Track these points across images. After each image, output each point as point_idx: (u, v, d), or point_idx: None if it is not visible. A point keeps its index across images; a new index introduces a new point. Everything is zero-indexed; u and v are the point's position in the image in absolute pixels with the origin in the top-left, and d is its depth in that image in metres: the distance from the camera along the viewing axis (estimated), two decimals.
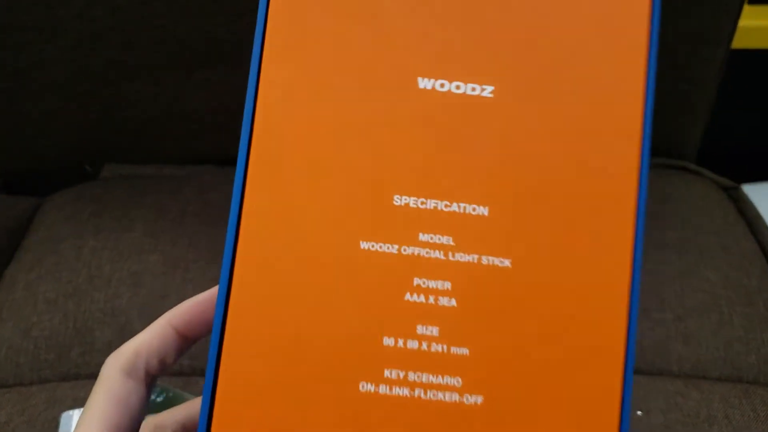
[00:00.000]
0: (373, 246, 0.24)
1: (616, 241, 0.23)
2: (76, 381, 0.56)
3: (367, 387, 0.23)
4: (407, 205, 0.24)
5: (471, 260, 0.24)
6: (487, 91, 0.24)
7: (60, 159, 0.72)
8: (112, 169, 0.72)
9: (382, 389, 0.23)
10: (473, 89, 0.24)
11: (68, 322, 0.57)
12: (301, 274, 0.23)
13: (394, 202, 0.24)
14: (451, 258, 0.24)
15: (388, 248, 0.24)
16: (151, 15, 0.59)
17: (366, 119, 0.24)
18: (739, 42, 0.64)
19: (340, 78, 0.24)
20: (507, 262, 0.23)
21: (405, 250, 0.24)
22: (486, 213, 0.24)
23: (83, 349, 0.57)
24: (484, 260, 0.23)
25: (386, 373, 0.23)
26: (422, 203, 0.24)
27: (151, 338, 0.25)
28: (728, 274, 0.60)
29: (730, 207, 0.68)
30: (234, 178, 0.23)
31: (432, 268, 0.24)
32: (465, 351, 0.23)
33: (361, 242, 0.24)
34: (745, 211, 0.68)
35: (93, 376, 0.27)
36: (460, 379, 0.23)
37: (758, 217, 0.64)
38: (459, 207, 0.24)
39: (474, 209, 0.24)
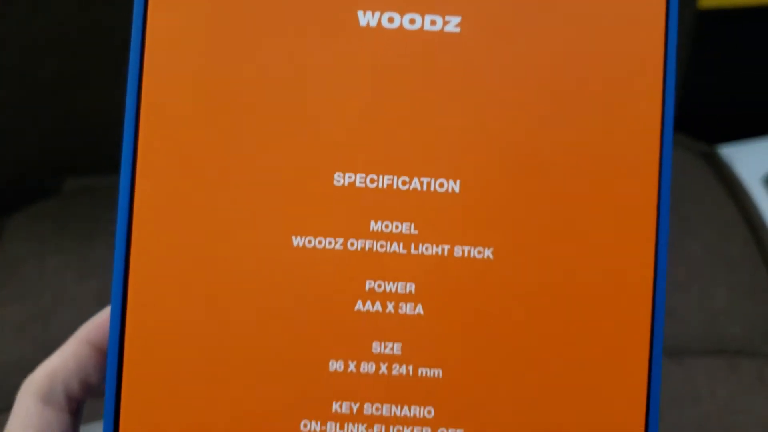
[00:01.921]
0: (309, 242, 0.18)
1: (633, 222, 0.18)
2: None
3: (311, 426, 0.17)
4: (352, 184, 0.18)
5: (440, 252, 0.18)
6: (452, 24, 0.18)
7: (18, 175, 0.70)
8: (75, 182, 0.69)
9: (331, 428, 0.17)
10: (433, 23, 0.18)
11: (36, 344, 0.55)
12: (212, 287, 0.18)
13: (335, 182, 0.18)
14: (413, 251, 0.18)
15: (329, 243, 0.18)
16: (96, 22, 0.58)
17: (291, 72, 0.18)
18: (707, 0, 0.60)
19: (253, 20, 0.18)
20: (488, 253, 0.18)
21: (352, 244, 0.18)
22: (457, 189, 0.18)
23: None
24: (458, 251, 0.18)
25: (335, 407, 0.17)
26: (372, 181, 0.18)
27: (65, 359, 0.21)
28: (710, 243, 0.58)
29: (709, 173, 0.65)
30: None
31: (389, 267, 0.18)
32: (437, 373, 0.18)
33: (293, 238, 0.18)
34: (724, 176, 0.65)
35: None
36: (432, 409, 0.17)
37: (737, 182, 0.61)
38: (421, 183, 0.18)
39: (441, 185, 0.18)
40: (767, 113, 0.65)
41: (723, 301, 0.54)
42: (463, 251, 0.18)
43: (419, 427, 0.18)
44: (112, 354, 0.18)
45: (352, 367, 0.18)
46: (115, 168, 0.18)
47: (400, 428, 0.18)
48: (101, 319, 0.22)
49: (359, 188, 0.18)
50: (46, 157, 0.70)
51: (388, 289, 0.18)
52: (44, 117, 0.65)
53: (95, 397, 0.22)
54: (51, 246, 0.64)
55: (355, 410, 0.18)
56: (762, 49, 0.63)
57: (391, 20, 0.18)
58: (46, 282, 0.60)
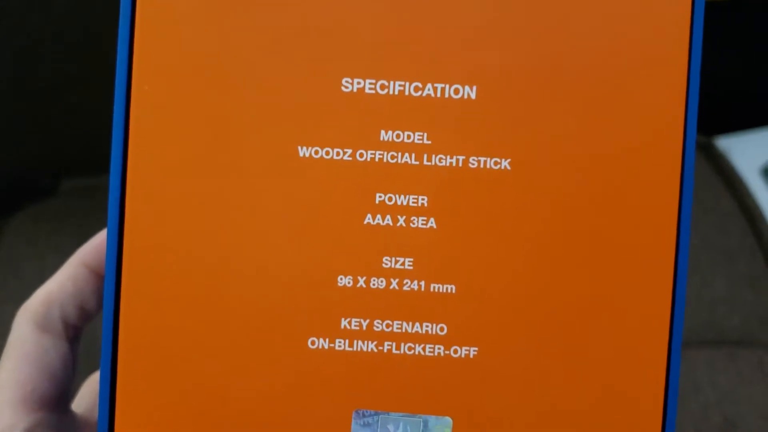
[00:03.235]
0: (316, 152, 0.17)
1: (661, 137, 0.17)
2: None
3: (319, 343, 0.17)
4: (361, 91, 0.17)
5: (454, 164, 0.17)
6: None
7: (17, 176, 0.70)
8: (72, 183, 0.69)
9: (339, 345, 0.16)
10: None
11: None
12: (216, 198, 0.17)
13: (343, 89, 0.17)
14: (426, 162, 0.17)
15: (337, 154, 0.17)
16: (91, 23, 0.57)
17: None
18: None
19: None
20: (505, 164, 0.17)
21: (361, 155, 0.17)
22: (473, 96, 0.17)
23: None
24: (473, 163, 0.17)
25: (343, 323, 0.17)
26: (383, 87, 0.17)
27: (62, 282, 0.21)
28: (708, 234, 0.58)
29: (707, 166, 0.65)
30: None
31: (400, 179, 0.17)
32: (450, 289, 0.17)
33: (299, 148, 0.17)
34: (721, 168, 0.65)
35: None
36: (444, 327, 0.17)
37: (735, 173, 0.61)
38: (435, 90, 0.17)
39: (456, 92, 0.17)
40: (764, 104, 0.65)
41: (722, 291, 0.54)
42: (478, 162, 0.17)
43: (431, 345, 0.17)
44: (109, 284, 0.17)
45: (361, 282, 0.17)
46: None
47: (412, 345, 0.17)
48: (97, 241, 0.21)
49: (369, 95, 0.17)
50: (44, 158, 0.70)
51: (399, 203, 0.17)
52: (42, 118, 0.65)
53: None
54: (50, 246, 0.64)
55: (364, 327, 0.17)
56: (759, 40, 0.63)
57: None
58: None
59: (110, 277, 0.17)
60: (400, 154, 0.17)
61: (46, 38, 0.58)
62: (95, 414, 0.22)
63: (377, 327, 0.17)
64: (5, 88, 0.61)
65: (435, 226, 0.17)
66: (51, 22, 0.56)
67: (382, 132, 0.17)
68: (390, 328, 0.17)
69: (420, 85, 0.17)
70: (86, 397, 0.23)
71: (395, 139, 0.17)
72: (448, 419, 0.17)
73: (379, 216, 0.17)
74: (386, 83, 0.17)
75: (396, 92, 0.17)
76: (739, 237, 0.58)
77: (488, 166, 0.17)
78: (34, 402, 0.19)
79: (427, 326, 0.17)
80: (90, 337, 0.24)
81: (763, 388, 0.47)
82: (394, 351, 0.17)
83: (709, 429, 0.47)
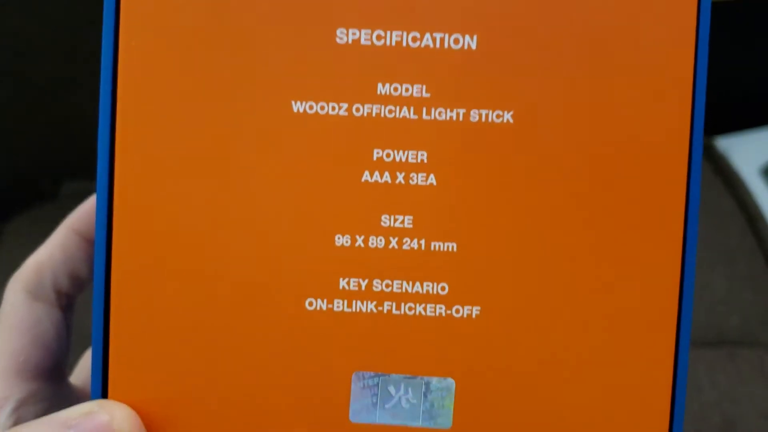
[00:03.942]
0: (310, 107, 0.16)
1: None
2: None
3: (317, 304, 0.16)
4: (357, 42, 0.16)
5: (454, 117, 0.16)
6: None
7: (16, 180, 0.69)
8: (72, 186, 0.67)
9: (338, 306, 0.16)
10: None
11: None
12: (209, 158, 0.16)
13: (337, 40, 0.16)
14: (425, 116, 0.16)
15: (333, 109, 0.16)
16: (89, 25, 0.53)
17: None
18: None
19: None
20: (507, 117, 0.16)
21: (358, 109, 0.16)
22: (474, 46, 0.16)
23: None
24: (474, 116, 0.16)
25: (342, 284, 0.16)
26: (379, 38, 0.16)
27: (52, 250, 0.20)
28: (707, 234, 0.57)
29: (706, 166, 0.65)
30: None
31: (398, 134, 0.16)
32: (451, 247, 0.16)
33: (292, 103, 0.16)
34: (721, 168, 0.65)
35: None
36: (446, 286, 0.16)
37: (734, 173, 0.61)
38: (434, 40, 0.17)
39: (456, 41, 0.16)
40: (764, 104, 0.65)
41: (722, 291, 0.53)
42: (480, 115, 0.16)
43: (432, 305, 0.16)
44: (99, 248, 0.16)
45: (359, 241, 0.16)
46: None
47: (412, 305, 0.16)
48: (86, 207, 0.20)
49: (364, 46, 0.16)
50: (45, 161, 0.69)
51: (397, 159, 0.16)
52: (41, 121, 0.64)
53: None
54: None
55: (363, 287, 0.16)
56: (758, 40, 0.63)
57: None
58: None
59: (100, 241, 0.16)
60: (398, 108, 0.16)
61: (46, 41, 0.57)
62: None
63: (376, 287, 0.16)
64: (5, 91, 0.61)
65: (435, 183, 0.16)
66: (52, 24, 0.56)
67: (379, 85, 0.16)
68: (390, 288, 0.16)
69: (418, 35, 0.16)
70: (85, 371, 0.22)
71: (393, 92, 0.16)
72: (451, 381, 0.16)
73: (377, 173, 0.16)
74: (383, 34, 0.16)
75: (393, 43, 0.16)
76: (739, 237, 0.57)
77: (490, 120, 0.16)
78: (27, 372, 0.19)
79: (427, 286, 0.16)
80: (87, 310, 0.24)
81: (763, 388, 0.47)
82: (394, 311, 0.16)
83: (709, 429, 0.47)
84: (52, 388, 0.19)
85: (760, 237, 0.58)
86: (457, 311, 0.16)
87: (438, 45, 0.16)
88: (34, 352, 0.19)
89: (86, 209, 0.20)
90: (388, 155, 0.16)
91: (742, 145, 0.63)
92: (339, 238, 0.16)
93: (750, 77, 0.65)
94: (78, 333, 0.21)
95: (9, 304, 0.20)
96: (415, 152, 0.16)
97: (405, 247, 0.16)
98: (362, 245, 0.16)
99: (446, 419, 0.16)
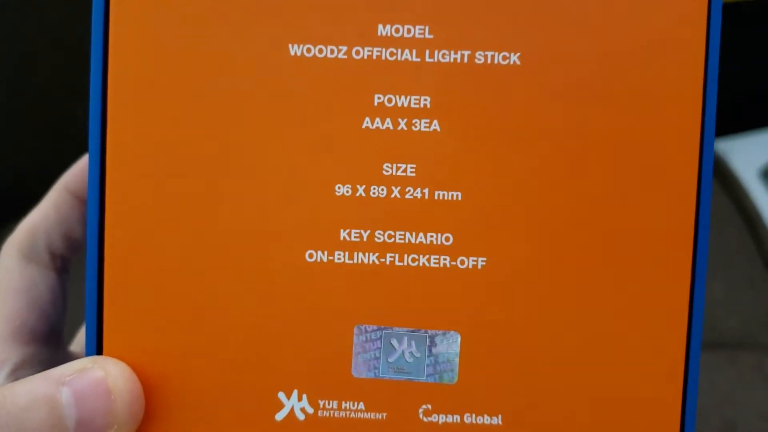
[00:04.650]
0: (308, 50, 0.16)
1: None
2: None
3: (317, 256, 0.15)
4: None
5: (458, 60, 0.16)
6: None
7: (14, 184, 0.67)
8: None
9: (339, 257, 0.15)
10: None
11: None
12: (203, 106, 0.16)
13: None
14: (428, 59, 0.16)
15: (331, 52, 0.16)
16: (87, 30, 0.56)
17: None
18: None
19: None
20: (514, 58, 0.16)
21: (358, 52, 0.16)
22: None
23: None
24: (479, 58, 0.16)
25: (342, 235, 0.15)
26: None
27: (45, 210, 0.20)
28: None
29: None
30: None
31: (400, 78, 0.16)
32: (455, 196, 0.16)
33: (289, 46, 0.16)
34: (719, 170, 0.65)
35: None
36: (450, 236, 0.15)
37: (732, 175, 0.60)
38: None
39: None
40: (762, 107, 0.64)
41: (720, 294, 0.54)
42: (485, 57, 0.16)
43: (436, 256, 0.16)
44: (93, 199, 0.16)
45: (361, 191, 0.16)
46: None
47: (415, 257, 0.16)
48: (80, 166, 0.20)
49: None
50: (40, 166, 0.70)
51: (399, 104, 0.16)
52: (37, 125, 0.63)
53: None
54: None
55: (365, 238, 0.16)
56: (757, 43, 0.62)
57: None
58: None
59: (93, 194, 0.16)
60: (399, 50, 0.16)
61: (44, 46, 0.57)
62: None
63: (378, 238, 0.16)
64: (3, 95, 0.60)
65: (439, 129, 0.16)
66: (50, 27, 0.56)
67: (380, 26, 0.16)
68: (392, 239, 0.16)
69: None
70: (83, 341, 0.22)
71: (394, 33, 0.16)
72: (456, 334, 0.16)
73: (378, 119, 0.16)
74: None
75: None
76: (737, 239, 0.57)
77: (496, 62, 0.16)
78: (23, 336, 0.19)
79: (431, 236, 0.16)
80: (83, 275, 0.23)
81: (763, 391, 0.47)
82: (396, 263, 0.16)
83: (709, 431, 0.47)
84: (48, 351, 0.19)
85: (758, 239, 0.58)
86: (462, 262, 0.16)
87: None
88: (30, 315, 0.19)
89: (80, 168, 0.20)
90: (389, 100, 0.16)
91: (740, 147, 0.62)
92: (339, 188, 0.16)
93: (748, 80, 0.65)
94: (78, 303, 0.20)
95: (3, 268, 0.19)
96: (417, 97, 0.16)
97: (408, 196, 0.16)
98: (363, 195, 0.16)
99: (452, 374, 0.16)
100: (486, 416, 0.16)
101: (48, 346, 0.19)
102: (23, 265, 0.19)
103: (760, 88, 0.63)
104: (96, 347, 0.16)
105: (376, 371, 0.16)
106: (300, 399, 0.16)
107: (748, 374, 0.49)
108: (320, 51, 0.16)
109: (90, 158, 0.16)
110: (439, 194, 0.16)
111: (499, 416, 0.16)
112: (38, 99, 0.62)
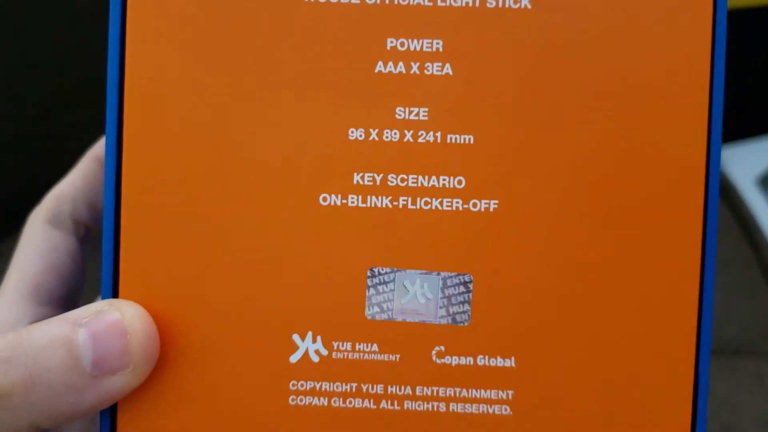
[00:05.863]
0: None
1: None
2: None
3: (331, 200, 0.15)
4: None
5: (470, 3, 0.16)
6: None
7: (15, 192, 0.68)
8: None
9: (352, 201, 0.15)
10: None
11: None
12: (218, 56, 0.16)
13: None
14: (440, 3, 0.16)
15: None
16: (85, 40, 0.55)
17: None
18: None
19: None
20: (525, 2, 0.16)
21: None
22: None
23: None
24: (491, 1, 0.16)
25: (356, 178, 0.16)
26: None
27: (73, 178, 0.20)
28: None
29: None
30: None
31: (413, 22, 0.16)
32: (468, 139, 0.16)
33: None
34: None
35: None
36: (462, 179, 0.16)
37: (730, 183, 0.60)
38: None
39: None
40: (759, 114, 0.64)
41: (718, 301, 0.54)
42: (497, 1, 0.16)
43: (449, 199, 0.16)
44: (110, 143, 0.16)
45: (374, 135, 0.16)
46: None
47: (428, 200, 0.16)
48: None
49: None
50: (40, 178, 0.70)
51: (412, 48, 0.16)
52: (36, 136, 0.63)
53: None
54: None
55: (378, 182, 0.16)
56: (754, 50, 0.62)
57: None
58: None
59: (111, 140, 0.16)
60: None
61: (42, 55, 0.57)
62: None
63: (391, 181, 0.16)
64: (4, 102, 0.60)
65: (451, 72, 0.16)
66: (46, 39, 0.56)
67: None
68: (405, 183, 0.16)
69: None
70: None
71: None
72: (469, 276, 0.16)
73: (390, 63, 0.16)
74: None
75: None
76: (735, 247, 0.58)
77: (508, 5, 0.16)
78: (41, 297, 0.19)
79: (444, 179, 0.16)
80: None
81: (761, 397, 0.47)
82: (409, 206, 0.16)
83: None
84: None
85: (756, 247, 0.58)
86: (474, 205, 0.16)
87: None
88: (48, 277, 0.19)
89: None
90: (402, 44, 0.16)
91: (737, 155, 0.62)
92: (353, 132, 0.16)
93: (746, 87, 0.64)
94: (97, 283, 0.21)
95: (27, 233, 0.20)
96: (430, 41, 0.16)
97: (420, 140, 0.16)
98: (376, 138, 0.16)
99: (464, 316, 0.16)
100: (499, 358, 0.16)
101: (64, 309, 0.19)
102: (47, 230, 0.20)
103: (757, 96, 0.63)
104: (112, 291, 0.16)
105: (390, 313, 0.16)
106: (314, 341, 0.16)
107: (747, 381, 0.49)
108: None
109: (108, 106, 0.16)
110: (451, 137, 0.16)
111: (512, 358, 0.16)
112: (39, 107, 0.62)
